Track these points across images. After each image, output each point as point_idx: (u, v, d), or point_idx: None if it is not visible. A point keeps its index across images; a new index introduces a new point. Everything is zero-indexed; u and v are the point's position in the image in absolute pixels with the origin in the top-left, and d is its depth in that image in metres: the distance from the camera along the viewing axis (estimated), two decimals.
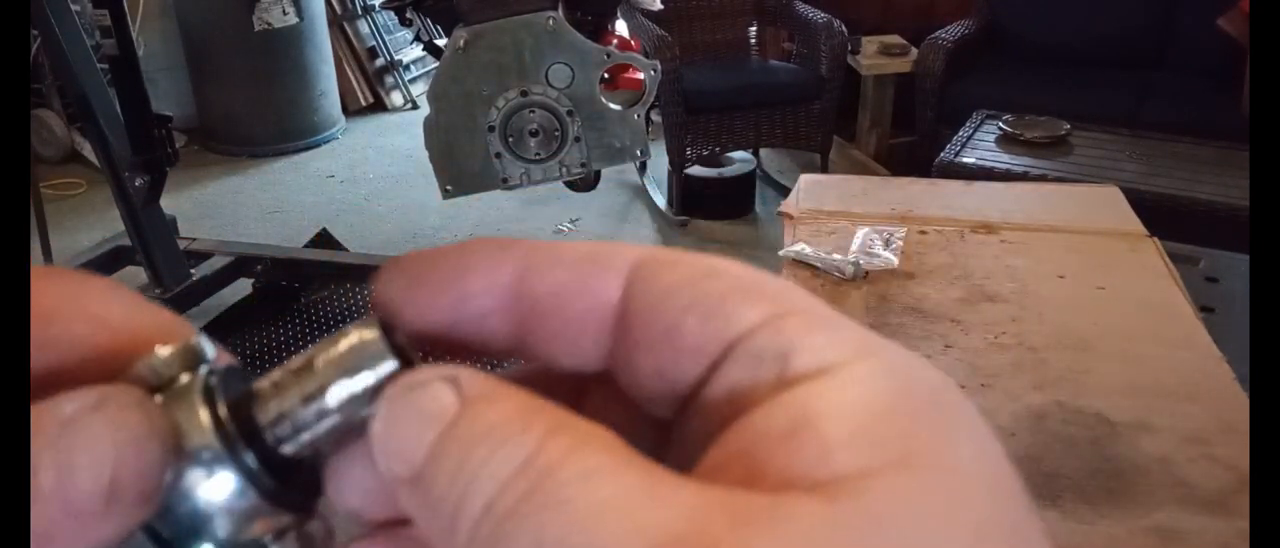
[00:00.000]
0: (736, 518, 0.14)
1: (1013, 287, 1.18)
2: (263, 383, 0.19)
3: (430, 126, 1.15)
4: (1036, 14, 3.75)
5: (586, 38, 1.09)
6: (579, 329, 0.19)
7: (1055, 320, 1.11)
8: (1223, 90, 3.24)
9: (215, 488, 0.18)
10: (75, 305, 0.19)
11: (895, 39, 3.87)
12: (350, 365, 0.18)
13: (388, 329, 0.18)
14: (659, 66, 1.11)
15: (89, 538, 0.17)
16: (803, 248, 1.24)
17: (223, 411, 0.18)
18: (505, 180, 1.15)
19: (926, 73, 3.50)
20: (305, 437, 0.18)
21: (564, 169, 1.15)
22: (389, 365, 0.18)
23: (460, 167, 1.16)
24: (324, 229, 3.14)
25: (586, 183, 1.35)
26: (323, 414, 0.18)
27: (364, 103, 4.69)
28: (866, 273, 1.21)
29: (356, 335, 0.18)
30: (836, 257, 1.22)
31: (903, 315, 1.13)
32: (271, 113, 4.15)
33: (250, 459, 0.18)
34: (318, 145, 4.27)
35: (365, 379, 0.18)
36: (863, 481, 0.15)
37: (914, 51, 3.70)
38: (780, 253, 1.26)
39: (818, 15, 3.56)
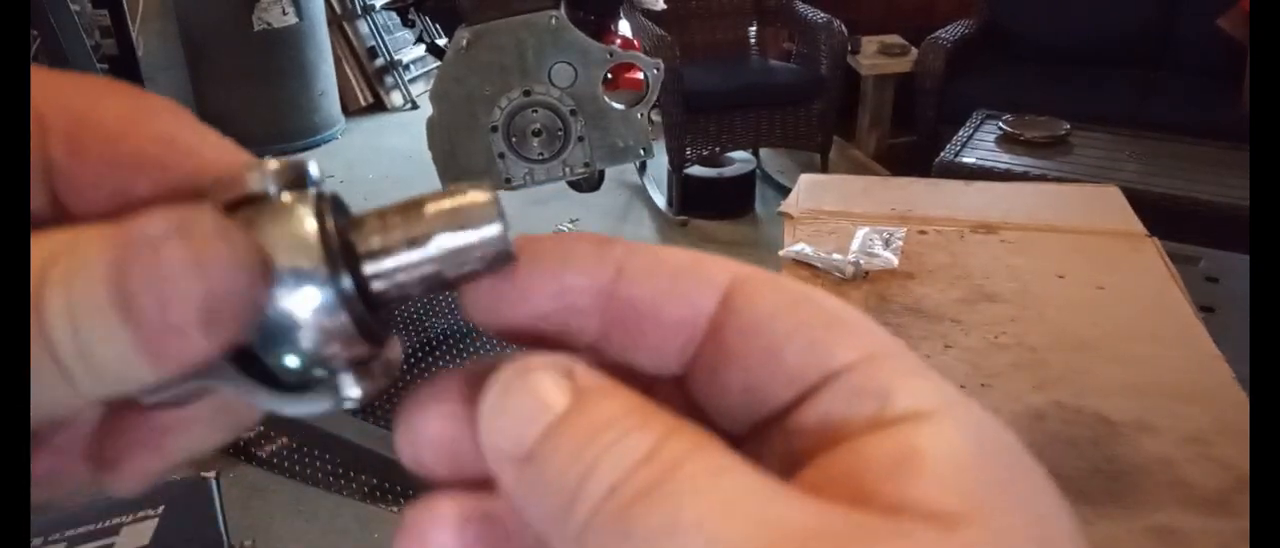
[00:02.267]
0: (860, 531, 0.15)
1: (1013, 287, 1.19)
2: (368, 215, 0.19)
3: (433, 127, 1.15)
4: (1036, 14, 3.75)
5: (589, 37, 1.09)
6: (668, 337, 0.20)
7: (1055, 320, 1.11)
8: (1223, 90, 3.24)
9: (307, 301, 0.18)
10: (143, 126, 0.20)
11: (895, 39, 3.87)
12: (460, 220, 0.19)
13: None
14: (661, 65, 1.11)
15: (194, 350, 0.17)
16: (803, 248, 1.24)
17: (331, 227, 0.18)
18: (508, 181, 1.15)
19: (926, 73, 3.50)
20: (400, 276, 0.19)
21: (567, 169, 1.15)
22: (495, 229, 0.19)
23: (463, 167, 1.16)
24: None
25: (590, 183, 1.35)
26: (423, 259, 0.19)
27: (364, 103, 4.69)
28: (866, 273, 1.21)
29: (472, 194, 0.19)
30: (836, 257, 1.22)
31: (903, 315, 1.13)
32: (271, 113, 4.15)
33: (346, 281, 0.18)
34: (317, 145, 4.28)
35: (470, 236, 0.19)
36: (971, 516, 0.16)
37: (914, 51, 3.70)
38: (780, 253, 1.26)
39: (818, 15, 3.56)
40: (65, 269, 0.17)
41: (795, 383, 0.18)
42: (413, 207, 0.19)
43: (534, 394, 0.17)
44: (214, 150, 0.20)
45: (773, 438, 0.19)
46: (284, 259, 0.18)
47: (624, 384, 0.18)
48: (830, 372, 0.18)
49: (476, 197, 0.19)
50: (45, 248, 0.17)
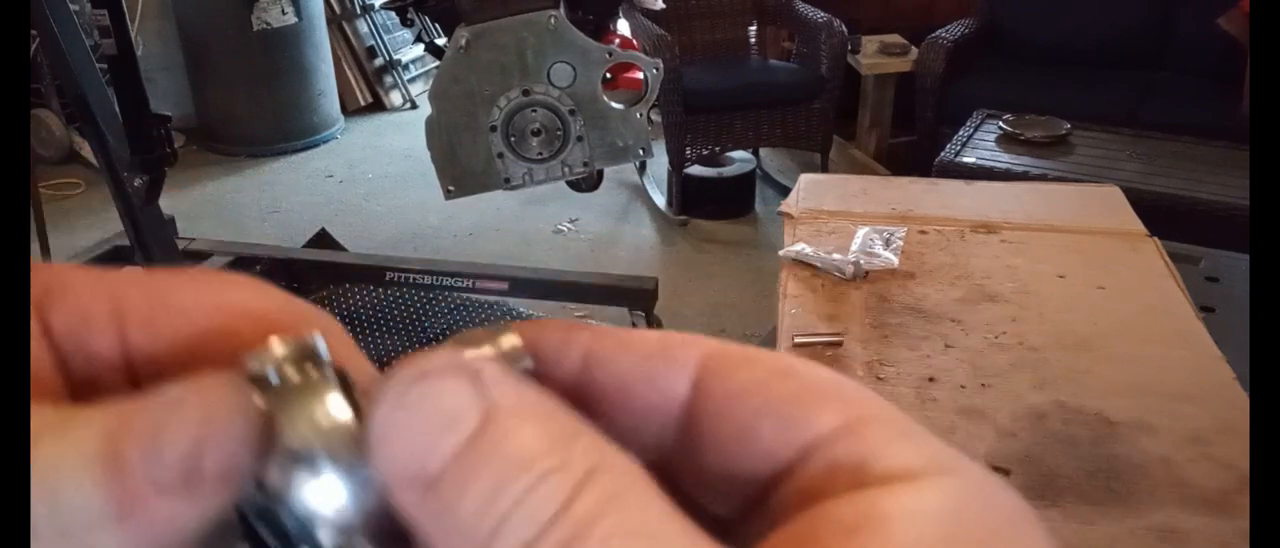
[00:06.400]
0: None
1: (1013, 287, 1.18)
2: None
3: (432, 127, 1.14)
4: (1036, 14, 3.75)
5: (588, 37, 1.09)
6: (642, 423, 0.19)
7: (1055, 320, 1.11)
8: (1223, 90, 3.24)
9: (325, 496, 0.16)
10: (212, 297, 0.19)
11: (895, 38, 3.87)
12: None
13: None
14: (660, 65, 1.11)
15: (171, 514, 0.16)
16: (803, 248, 1.24)
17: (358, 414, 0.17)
18: (508, 180, 1.15)
19: (927, 72, 3.50)
20: None
21: (566, 169, 1.15)
22: None
23: (463, 167, 1.16)
24: (323, 229, 3.14)
25: (589, 183, 1.35)
26: None
27: (363, 102, 4.69)
28: (866, 273, 1.21)
29: None
30: (836, 256, 1.22)
31: (903, 315, 1.13)
32: (270, 113, 4.15)
33: (373, 474, 0.16)
34: (317, 145, 4.27)
35: None
36: None
37: (914, 51, 3.70)
38: (780, 253, 1.26)
39: (818, 14, 3.56)
40: (66, 425, 0.16)
41: (771, 461, 0.17)
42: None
43: (435, 407, 0.15)
44: (281, 313, 0.19)
45: (756, 519, 0.18)
46: (314, 442, 0.16)
47: (546, 395, 0.16)
48: (806, 445, 0.17)
49: None
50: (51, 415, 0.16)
